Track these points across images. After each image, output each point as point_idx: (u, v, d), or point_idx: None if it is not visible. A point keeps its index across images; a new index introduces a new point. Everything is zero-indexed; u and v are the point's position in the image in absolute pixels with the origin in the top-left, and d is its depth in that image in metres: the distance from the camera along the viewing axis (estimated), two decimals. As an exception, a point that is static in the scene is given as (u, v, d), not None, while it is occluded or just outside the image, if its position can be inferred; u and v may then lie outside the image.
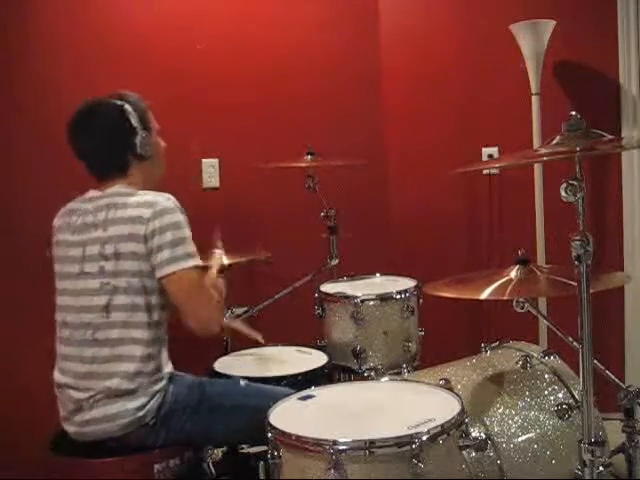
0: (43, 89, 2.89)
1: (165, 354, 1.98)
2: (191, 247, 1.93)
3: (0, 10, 2.83)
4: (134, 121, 2.00)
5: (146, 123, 2.05)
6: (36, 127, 2.84)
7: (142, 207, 1.91)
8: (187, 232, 1.94)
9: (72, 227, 1.99)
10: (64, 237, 2.00)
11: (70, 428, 1.93)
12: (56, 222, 2.06)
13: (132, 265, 1.89)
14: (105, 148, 2.02)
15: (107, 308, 1.89)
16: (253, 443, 2.07)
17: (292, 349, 2.58)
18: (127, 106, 2.01)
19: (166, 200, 1.94)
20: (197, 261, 1.93)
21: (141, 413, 1.87)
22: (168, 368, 1.97)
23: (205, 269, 2.01)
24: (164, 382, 1.94)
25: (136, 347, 1.89)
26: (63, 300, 1.98)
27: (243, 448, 2.13)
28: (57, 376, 1.97)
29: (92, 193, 2.02)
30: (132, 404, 1.86)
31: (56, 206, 2.08)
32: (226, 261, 2.67)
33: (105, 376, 1.88)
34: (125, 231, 1.90)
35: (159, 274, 1.90)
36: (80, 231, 1.97)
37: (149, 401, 1.89)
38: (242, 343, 2.71)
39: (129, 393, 1.87)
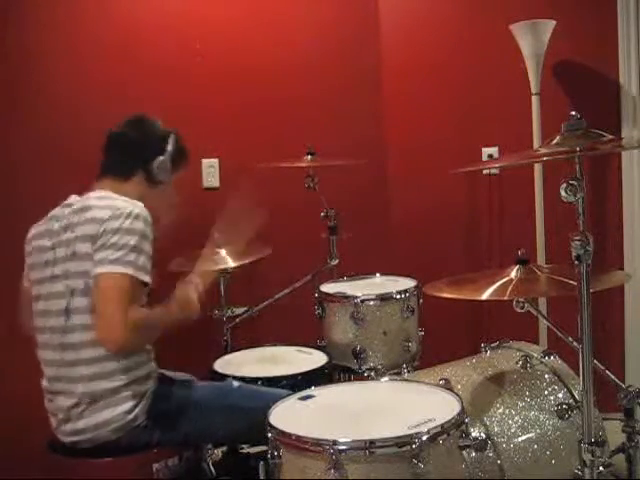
0: (43, 89, 2.88)
1: (143, 353, 1.93)
2: (135, 257, 1.81)
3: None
4: (170, 148, 2.05)
5: (177, 160, 2.08)
6: (36, 126, 2.84)
7: (106, 209, 1.87)
8: (140, 242, 1.83)
9: (50, 232, 1.96)
10: (42, 243, 1.96)
11: (62, 438, 1.91)
12: (32, 231, 2.01)
13: (88, 265, 1.84)
14: (131, 152, 2.03)
15: (67, 311, 1.86)
16: (252, 443, 2.07)
17: (292, 349, 2.58)
18: (174, 136, 2.07)
19: (133, 206, 1.88)
20: (137, 273, 1.81)
21: (131, 416, 1.86)
22: (150, 366, 1.94)
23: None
24: (151, 383, 1.92)
25: (100, 348, 1.83)
26: (38, 305, 1.96)
27: (243, 448, 2.13)
28: (44, 384, 1.95)
29: (72, 199, 2.00)
30: (121, 408, 1.85)
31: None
32: (232, 264, 2.67)
33: (80, 379, 1.85)
34: (84, 231, 1.87)
35: (92, 272, 1.82)
36: (55, 235, 1.94)
37: (137, 403, 1.87)
38: (242, 343, 2.72)
39: (113, 393, 1.84)
